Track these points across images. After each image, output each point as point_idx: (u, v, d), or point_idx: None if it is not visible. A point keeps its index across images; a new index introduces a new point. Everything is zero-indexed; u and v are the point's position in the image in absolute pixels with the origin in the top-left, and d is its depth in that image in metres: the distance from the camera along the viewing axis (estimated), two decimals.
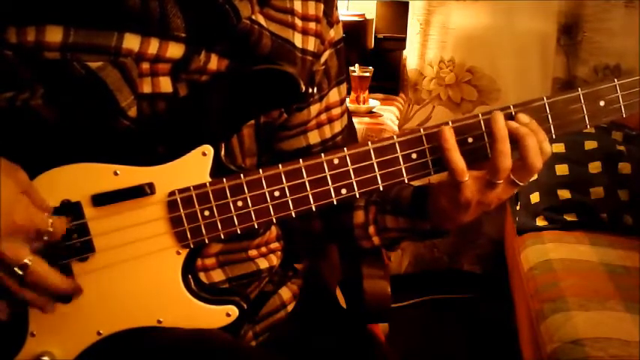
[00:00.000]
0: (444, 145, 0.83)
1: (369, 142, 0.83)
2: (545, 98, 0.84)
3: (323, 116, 1.02)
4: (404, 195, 0.96)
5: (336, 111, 1.04)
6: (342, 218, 1.01)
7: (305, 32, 0.95)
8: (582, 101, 0.85)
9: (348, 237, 1.02)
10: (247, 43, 0.88)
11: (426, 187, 0.93)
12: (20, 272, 0.74)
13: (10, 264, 0.74)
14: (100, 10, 0.81)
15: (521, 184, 0.84)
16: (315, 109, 1.01)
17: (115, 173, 0.81)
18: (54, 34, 0.79)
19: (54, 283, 0.77)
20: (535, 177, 0.85)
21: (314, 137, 1.02)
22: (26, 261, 0.74)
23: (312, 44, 0.96)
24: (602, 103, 0.85)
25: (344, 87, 1.05)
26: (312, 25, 0.96)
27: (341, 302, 1.18)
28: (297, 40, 0.94)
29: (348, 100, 1.97)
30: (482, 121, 0.84)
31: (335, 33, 1.00)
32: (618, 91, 0.85)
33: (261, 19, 0.90)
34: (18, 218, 0.73)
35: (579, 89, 0.85)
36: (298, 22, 0.94)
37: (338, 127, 1.05)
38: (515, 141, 0.82)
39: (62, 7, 0.79)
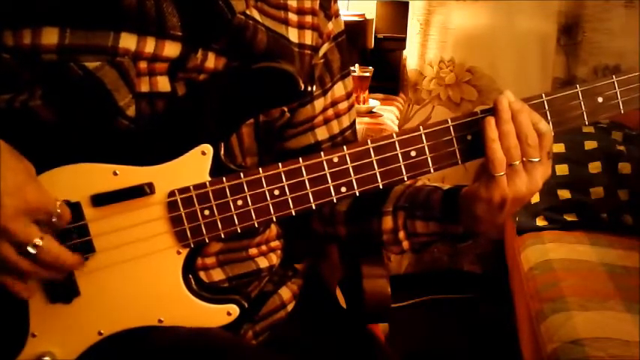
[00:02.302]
0: (490, 134, 0.82)
1: (369, 140, 0.83)
2: (543, 95, 0.84)
3: (330, 111, 1.02)
4: (433, 199, 0.94)
5: (343, 105, 1.03)
6: (370, 224, 1.00)
7: (301, 26, 0.95)
8: (581, 98, 0.85)
9: (376, 243, 1.01)
10: (243, 38, 0.88)
11: (457, 192, 0.91)
12: (33, 251, 0.74)
13: (23, 244, 0.74)
14: (95, 11, 0.81)
15: (535, 160, 0.83)
16: (319, 104, 1.00)
17: (115, 173, 0.81)
18: (50, 36, 0.79)
19: (66, 259, 0.78)
20: (545, 158, 0.83)
21: (322, 133, 1.02)
22: (37, 240, 0.74)
23: (309, 38, 0.96)
24: (600, 100, 0.85)
25: (349, 81, 1.04)
26: (308, 19, 0.95)
27: (341, 302, 1.18)
28: (293, 35, 0.94)
29: None
30: (480, 119, 0.84)
31: (334, 26, 1.00)
32: (616, 88, 0.85)
33: (255, 14, 0.90)
34: (30, 197, 0.74)
35: (577, 86, 0.85)
36: (293, 17, 0.94)
37: (346, 121, 1.04)
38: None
39: (57, 9, 0.79)
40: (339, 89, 1.03)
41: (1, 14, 0.78)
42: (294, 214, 0.84)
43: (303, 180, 0.83)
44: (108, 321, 0.83)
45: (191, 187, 0.82)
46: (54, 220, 0.76)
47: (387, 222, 0.98)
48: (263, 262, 1.00)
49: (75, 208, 0.80)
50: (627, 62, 2.46)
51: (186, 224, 0.83)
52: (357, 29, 2.25)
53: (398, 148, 0.84)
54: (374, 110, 2.15)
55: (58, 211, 0.77)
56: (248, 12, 0.89)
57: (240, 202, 0.83)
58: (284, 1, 0.93)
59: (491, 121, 0.82)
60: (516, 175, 0.82)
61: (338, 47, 1.02)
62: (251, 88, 0.83)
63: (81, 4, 0.80)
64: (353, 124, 1.06)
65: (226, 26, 0.87)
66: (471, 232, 0.92)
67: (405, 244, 0.99)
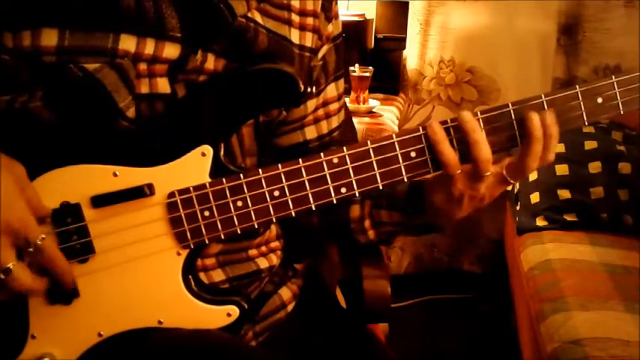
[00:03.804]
0: (433, 137, 0.83)
1: (369, 141, 0.83)
2: (543, 96, 0.84)
3: (320, 111, 1.03)
4: (399, 190, 0.96)
5: (334, 106, 1.04)
6: (339, 212, 1.02)
7: (302, 28, 0.95)
8: (580, 98, 0.85)
9: (344, 231, 1.03)
10: (243, 40, 0.88)
11: (422, 183, 0.93)
12: (2, 276, 0.73)
13: None
14: (94, 12, 0.80)
15: (512, 181, 0.85)
16: (312, 104, 1.01)
17: (115, 174, 0.81)
18: (49, 38, 0.79)
19: (34, 289, 0.76)
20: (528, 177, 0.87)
21: (311, 132, 1.02)
22: (10, 266, 0.73)
23: (309, 40, 0.96)
24: (599, 100, 0.85)
25: (341, 82, 1.05)
26: (309, 21, 0.96)
27: (341, 302, 1.18)
28: (294, 36, 0.94)
29: (348, 100, 1.98)
30: (480, 120, 0.84)
31: (333, 28, 1.00)
32: (616, 88, 0.85)
33: (257, 16, 0.90)
34: (13, 218, 0.72)
35: (577, 86, 0.85)
36: (295, 18, 0.94)
37: (335, 122, 1.05)
38: (527, 142, 0.83)
39: (57, 10, 0.79)
40: (331, 90, 1.03)
41: (1, 16, 0.78)
42: (294, 215, 0.84)
43: (303, 181, 0.83)
44: (108, 322, 0.83)
45: (191, 188, 0.82)
46: (30, 249, 0.74)
47: (355, 210, 1.01)
48: (263, 263, 1.00)
49: (75, 209, 0.80)
50: (627, 62, 2.46)
51: (185, 225, 0.83)
52: (357, 29, 2.25)
53: (398, 149, 0.84)
54: (374, 110, 2.15)
55: (38, 242, 0.74)
56: (250, 14, 0.89)
57: (240, 203, 0.83)
58: (287, 2, 0.94)
59: (433, 124, 0.83)
60: (479, 183, 0.85)
61: (335, 49, 1.02)
62: (251, 89, 0.83)
63: (80, 6, 0.80)
64: (341, 125, 1.07)
65: (227, 29, 0.87)
66: (434, 225, 0.94)
67: (371, 234, 1.01)
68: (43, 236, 0.75)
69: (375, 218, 1.00)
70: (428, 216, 0.93)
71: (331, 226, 1.05)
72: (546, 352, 1.55)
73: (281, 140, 1.01)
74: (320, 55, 0.99)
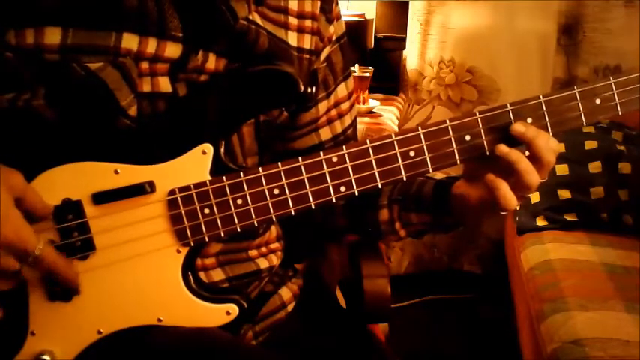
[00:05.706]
0: (499, 197, 0.83)
1: (368, 140, 0.83)
2: (541, 96, 0.85)
3: (333, 112, 1.03)
4: (425, 191, 0.97)
5: (345, 105, 1.05)
6: (368, 217, 1.02)
7: (301, 30, 0.95)
8: (578, 99, 0.85)
9: (375, 233, 1.04)
10: (245, 42, 0.89)
11: (447, 186, 0.93)
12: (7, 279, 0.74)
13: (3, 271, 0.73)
14: (98, 11, 0.81)
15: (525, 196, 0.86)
16: (323, 106, 1.02)
17: (116, 172, 0.81)
18: (53, 36, 0.79)
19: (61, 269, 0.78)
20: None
21: (325, 134, 1.03)
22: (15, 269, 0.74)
23: (308, 42, 0.96)
24: (597, 101, 0.85)
25: (351, 80, 1.06)
26: (308, 23, 0.96)
27: (341, 302, 1.18)
28: (292, 39, 0.94)
29: None
30: (479, 120, 0.84)
31: (336, 29, 1.01)
32: (614, 89, 0.85)
33: (257, 19, 0.90)
34: (8, 232, 0.72)
35: (575, 87, 0.85)
36: (293, 21, 0.95)
37: (348, 120, 1.06)
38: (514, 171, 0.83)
39: (60, 9, 0.79)
40: (341, 90, 1.04)
41: (4, 14, 0.78)
42: (293, 213, 0.84)
43: (303, 179, 0.83)
44: (107, 320, 0.83)
45: (191, 186, 0.82)
46: (30, 259, 0.74)
47: (384, 214, 1.01)
48: (263, 263, 1.00)
49: (76, 206, 0.80)
50: (627, 62, 2.46)
51: (186, 222, 0.83)
52: (357, 29, 2.25)
53: (397, 148, 0.84)
54: (374, 110, 2.15)
55: (37, 253, 0.74)
56: (250, 17, 0.89)
57: (239, 201, 0.83)
58: (284, 5, 0.94)
59: (496, 181, 0.83)
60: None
61: (341, 49, 1.03)
62: (252, 89, 0.83)
63: (83, 5, 0.80)
64: (354, 121, 1.08)
65: (228, 31, 0.87)
66: (462, 222, 0.95)
67: (402, 233, 1.02)
68: (41, 246, 0.75)
69: (404, 220, 1.00)
70: (456, 217, 0.93)
71: (360, 229, 1.06)
72: (546, 352, 1.55)
73: (296, 144, 1.02)
74: (323, 56, 0.99)
